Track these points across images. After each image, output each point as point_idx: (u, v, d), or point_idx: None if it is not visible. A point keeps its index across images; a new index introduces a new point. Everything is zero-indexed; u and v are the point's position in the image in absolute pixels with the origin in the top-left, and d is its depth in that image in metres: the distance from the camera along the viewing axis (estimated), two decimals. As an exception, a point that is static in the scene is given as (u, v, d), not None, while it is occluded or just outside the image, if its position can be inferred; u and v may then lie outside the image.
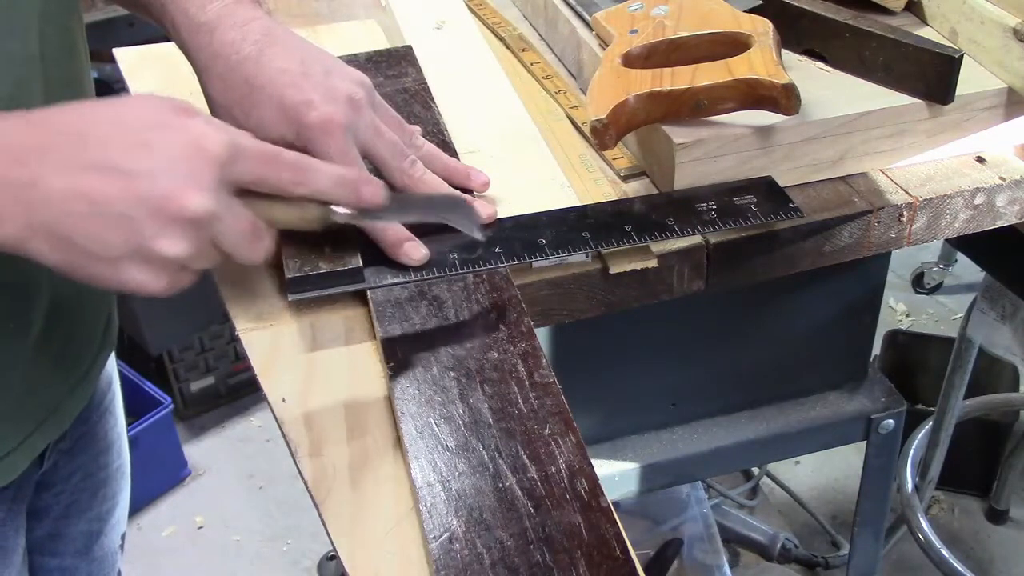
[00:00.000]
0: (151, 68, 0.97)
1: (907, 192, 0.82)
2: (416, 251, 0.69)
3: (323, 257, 0.69)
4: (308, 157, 0.62)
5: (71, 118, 0.55)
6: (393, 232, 0.70)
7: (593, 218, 0.75)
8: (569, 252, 0.72)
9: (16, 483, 0.80)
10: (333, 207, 0.63)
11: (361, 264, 0.68)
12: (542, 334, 0.94)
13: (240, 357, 2.26)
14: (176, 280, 0.57)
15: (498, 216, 0.75)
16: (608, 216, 0.76)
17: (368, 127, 0.70)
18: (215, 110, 0.71)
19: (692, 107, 0.77)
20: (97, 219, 0.53)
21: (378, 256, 0.70)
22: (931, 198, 0.81)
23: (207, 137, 0.56)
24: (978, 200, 0.83)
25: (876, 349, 2.10)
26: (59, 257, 0.54)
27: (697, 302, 0.82)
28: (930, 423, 1.74)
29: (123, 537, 1.05)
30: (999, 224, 0.85)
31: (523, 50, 1.02)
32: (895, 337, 2.15)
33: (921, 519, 1.75)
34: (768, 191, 0.78)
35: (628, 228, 0.74)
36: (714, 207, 0.76)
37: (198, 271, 0.58)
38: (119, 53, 0.99)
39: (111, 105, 0.57)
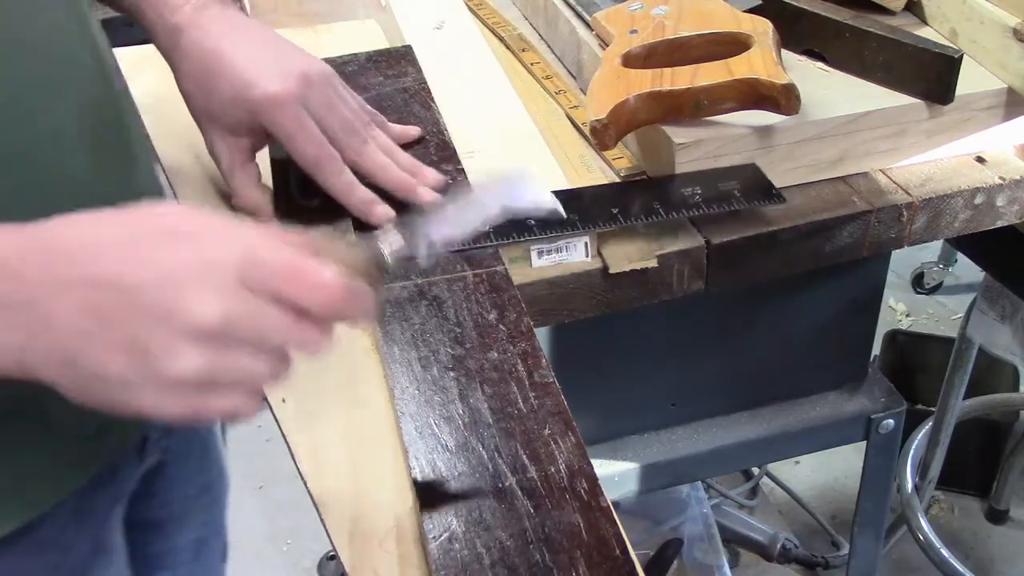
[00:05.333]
0: (151, 68, 0.97)
1: (907, 192, 0.82)
2: (385, 211, 0.73)
3: None
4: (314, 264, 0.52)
5: (70, 230, 0.50)
6: (360, 193, 0.74)
7: (581, 201, 0.76)
8: (557, 232, 0.73)
9: (115, 477, 0.77)
10: (379, 243, 0.54)
11: None
12: (542, 334, 0.93)
13: (240, 357, 2.26)
14: (199, 404, 0.49)
15: None
16: (595, 200, 0.77)
17: (320, 102, 0.72)
18: (191, 106, 0.74)
19: (692, 107, 0.77)
20: (101, 338, 0.48)
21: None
22: (931, 198, 0.81)
23: (218, 245, 0.49)
24: (978, 200, 0.83)
25: (876, 349, 2.10)
26: (69, 383, 0.49)
27: (697, 302, 0.81)
28: (930, 423, 1.74)
29: (225, 544, 1.02)
30: (999, 224, 0.85)
31: (523, 50, 1.02)
32: (895, 337, 2.15)
33: (921, 519, 1.75)
34: (752, 177, 0.79)
35: (615, 211, 0.74)
36: (699, 192, 0.76)
37: (254, 391, 0.51)
38: (118, 53, 0.99)
39: (116, 216, 0.51)
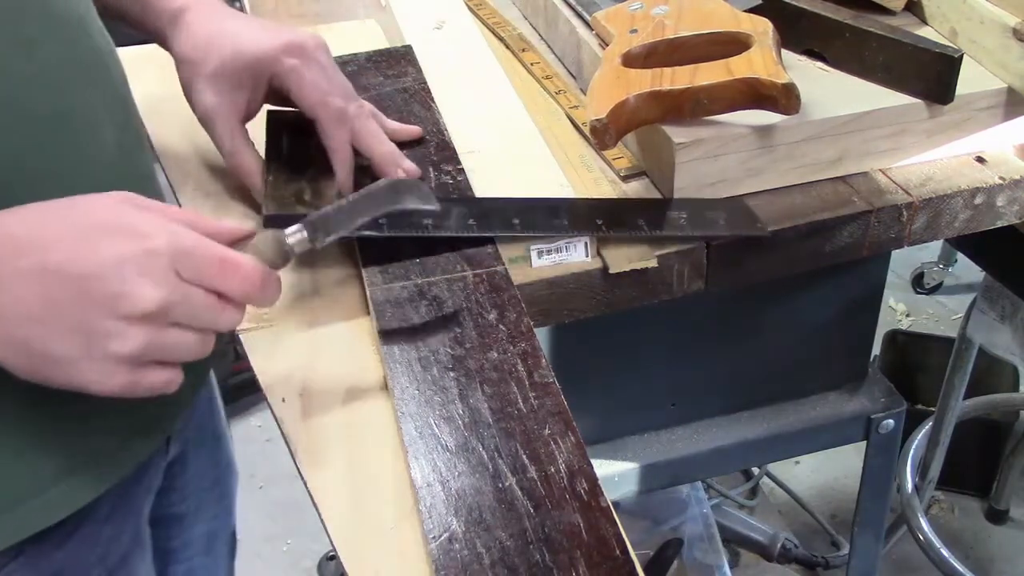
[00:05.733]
0: (151, 68, 0.97)
1: (907, 192, 0.82)
2: (411, 168, 0.77)
3: (302, 202, 0.72)
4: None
5: (20, 221, 0.55)
6: (385, 149, 0.76)
7: (570, 210, 0.77)
8: (540, 233, 0.74)
9: (148, 469, 0.79)
10: (286, 235, 0.61)
11: None
12: (542, 334, 0.93)
13: (240, 357, 2.26)
14: (137, 378, 0.56)
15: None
16: (585, 210, 0.77)
17: (325, 62, 0.75)
18: (187, 73, 0.75)
19: (692, 107, 0.77)
20: (50, 322, 0.53)
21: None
22: (931, 198, 0.81)
23: (154, 238, 0.55)
24: (978, 200, 0.83)
25: (876, 349, 2.10)
26: (19, 363, 0.55)
27: (697, 302, 0.81)
28: (930, 423, 1.74)
29: (233, 536, 1.03)
30: (999, 224, 0.85)
31: (523, 50, 1.02)
32: (895, 337, 2.15)
33: (921, 519, 1.75)
34: (739, 210, 0.79)
35: (600, 222, 0.75)
36: (684, 216, 0.77)
37: (174, 365, 0.57)
38: (119, 53, 0.98)
39: (61, 206, 0.56)
